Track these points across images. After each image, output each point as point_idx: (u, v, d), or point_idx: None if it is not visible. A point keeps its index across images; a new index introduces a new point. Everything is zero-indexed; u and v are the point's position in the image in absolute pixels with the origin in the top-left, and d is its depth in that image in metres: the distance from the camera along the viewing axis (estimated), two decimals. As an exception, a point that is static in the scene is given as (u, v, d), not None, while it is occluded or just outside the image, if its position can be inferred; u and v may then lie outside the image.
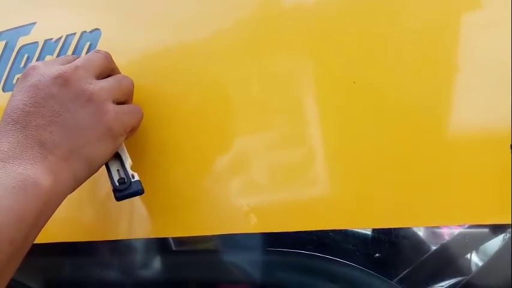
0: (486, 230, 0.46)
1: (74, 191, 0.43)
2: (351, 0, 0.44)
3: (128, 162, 0.46)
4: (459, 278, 0.46)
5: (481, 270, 0.47)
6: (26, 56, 0.58)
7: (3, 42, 0.60)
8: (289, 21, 0.46)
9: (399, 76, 0.42)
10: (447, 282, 0.46)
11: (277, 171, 0.45)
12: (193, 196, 0.48)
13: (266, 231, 0.47)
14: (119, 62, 0.49)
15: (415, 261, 0.48)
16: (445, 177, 0.40)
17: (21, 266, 0.40)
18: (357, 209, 0.42)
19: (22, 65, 0.58)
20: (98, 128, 0.43)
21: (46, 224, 0.41)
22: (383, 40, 0.42)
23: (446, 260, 0.48)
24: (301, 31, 0.46)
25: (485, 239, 0.46)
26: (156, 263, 0.58)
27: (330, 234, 0.49)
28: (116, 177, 0.46)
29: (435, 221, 0.42)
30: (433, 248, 0.48)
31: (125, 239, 0.55)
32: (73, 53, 0.55)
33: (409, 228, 0.47)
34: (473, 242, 0.47)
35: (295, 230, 0.46)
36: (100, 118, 0.43)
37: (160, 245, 0.58)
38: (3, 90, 0.58)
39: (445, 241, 0.47)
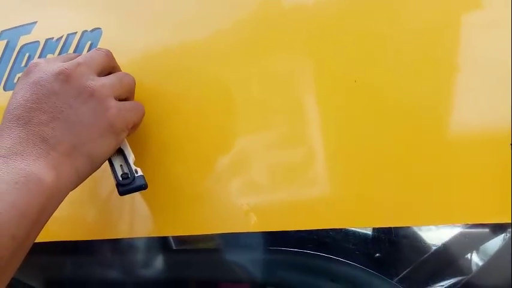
0: (486, 229, 0.46)
1: (76, 187, 0.43)
2: (351, 0, 0.44)
3: (131, 158, 0.46)
4: (459, 278, 0.46)
5: (481, 270, 0.47)
6: (27, 55, 0.58)
7: (4, 42, 0.60)
8: (289, 21, 0.46)
9: (399, 76, 0.42)
10: (447, 281, 0.46)
11: (277, 170, 0.45)
12: (193, 195, 0.48)
13: (266, 230, 0.47)
14: (120, 61, 0.49)
15: (415, 260, 0.48)
16: (445, 177, 0.40)
17: (22, 264, 0.40)
18: (357, 208, 0.42)
19: (23, 64, 0.58)
20: (100, 124, 0.43)
21: (46, 223, 0.41)
22: (383, 40, 0.42)
23: (446, 260, 0.48)
24: (301, 31, 0.46)
25: (485, 238, 0.46)
26: (157, 262, 0.58)
27: (330, 233, 0.49)
28: (119, 172, 0.45)
29: (435, 221, 0.42)
30: (433, 247, 0.48)
31: (125, 238, 0.55)
32: (74, 52, 0.55)
33: (409, 227, 0.47)
34: (474, 242, 0.47)
35: (296, 229, 0.46)
36: (102, 114, 0.43)
37: (161, 244, 0.58)
38: (5, 89, 0.58)
39: (445, 241, 0.47)
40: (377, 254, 0.48)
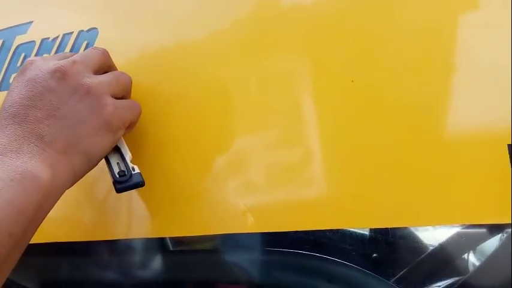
0: (483, 230, 0.46)
1: (73, 185, 0.43)
2: (349, 0, 0.44)
3: (128, 156, 0.46)
4: (456, 278, 0.46)
5: (478, 270, 0.47)
6: (22, 55, 0.57)
7: (0, 42, 0.60)
8: (288, 21, 0.46)
9: (398, 76, 0.42)
10: (444, 282, 0.46)
11: (274, 171, 0.45)
12: (190, 196, 0.48)
13: (263, 231, 0.47)
14: (116, 61, 0.49)
15: (412, 261, 0.48)
16: (444, 177, 0.40)
17: (17, 265, 0.39)
18: (354, 208, 0.42)
19: (19, 64, 0.57)
20: (96, 122, 0.43)
21: (42, 224, 0.41)
22: (382, 39, 0.43)
23: (443, 260, 0.48)
24: (300, 31, 0.46)
25: (482, 239, 0.46)
26: (154, 263, 0.58)
27: (327, 234, 0.49)
28: (116, 170, 0.45)
29: (434, 221, 0.42)
30: (430, 247, 0.48)
31: (122, 239, 0.55)
32: (70, 52, 0.54)
33: (406, 228, 0.47)
34: (471, 242, 0.47)
35: (293, 230, 0.46)
36: (98, 112, 0.43)
37: (158, 245, 0.57)
38: (0, 89, 0.58)
39: (442, 241, 0.48)
40: (374, 255, 0.48)
